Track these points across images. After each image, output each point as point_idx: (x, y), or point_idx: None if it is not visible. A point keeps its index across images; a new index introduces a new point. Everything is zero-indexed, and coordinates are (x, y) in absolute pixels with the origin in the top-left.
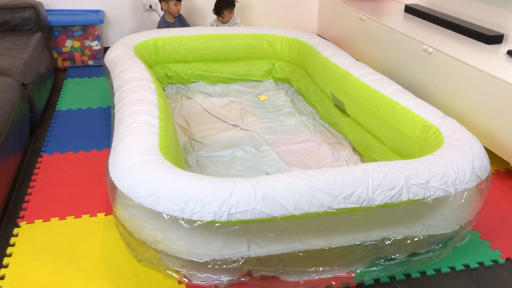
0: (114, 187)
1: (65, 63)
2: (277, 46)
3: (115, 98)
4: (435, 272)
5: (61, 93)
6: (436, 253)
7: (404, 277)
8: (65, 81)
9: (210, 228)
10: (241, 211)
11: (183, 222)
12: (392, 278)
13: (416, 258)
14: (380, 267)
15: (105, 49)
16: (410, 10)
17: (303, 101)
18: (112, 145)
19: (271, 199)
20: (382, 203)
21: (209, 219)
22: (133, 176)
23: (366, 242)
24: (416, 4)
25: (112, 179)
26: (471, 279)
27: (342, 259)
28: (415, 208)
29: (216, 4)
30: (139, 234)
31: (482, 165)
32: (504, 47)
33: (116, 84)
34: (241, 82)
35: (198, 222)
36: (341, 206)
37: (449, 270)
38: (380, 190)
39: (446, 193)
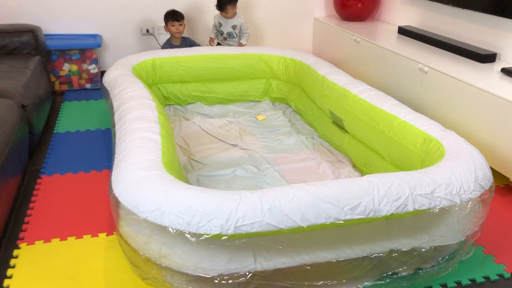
0: (118, 203)
1: (63, 87)
2: (274, 65)
3: (115, 117)
4: (441, 287)
5: (59, 115)
6: (441, 266)
7: None
8: (62, 104)
9: (216, 242)
10: (248, 223)
11: (189, 236)
12: None
13: (422, 272)
14: (387, 280)
15: (102, 72)
16: (403, 31)
17: (301, 121)
18: (114, 162)
19: (277, 211)
20: (388, 214)
21: (216, 233)
22: (138, 191)
23: (373, 254)
24: (409, 26)
25: (116, 195)
26: None
27: (349, 273)
28: (421, 219)
29: (218, 3)
30: (143, 251)
31: (485, 176)
32: (497, 66)
33: (116, 103)
34: (238, 103)
35: (205, 236)
36: (348, 217)
37: (456, 285)
38: (386, 200)
39: (451, 203)
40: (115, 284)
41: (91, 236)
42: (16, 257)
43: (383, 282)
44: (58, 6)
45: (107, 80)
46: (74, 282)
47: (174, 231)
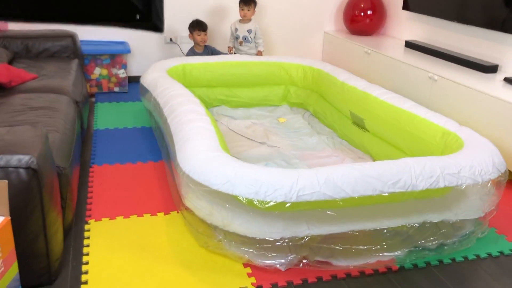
0: (189, 179)
1: (93, 89)
2: (292, 73)
3: (164, 111)
4: (463, 259)
5: (94, 115)
6: (462, 242)
7: (438, 262)
8: (95, 105)
9: (275, 212)
10: (308, 193)
11: (257, 203)
12: (427, 263)
13: (446, 247)
14: (418, 251)
15: (129, 78)
16: (410, 45)
17: (319, 123)
18: (176, 148)
19: (332, 184)
20: (424, 189)
21: (280, 200)
22: (208, 168)
23: (410, 224)
24: (415, 40)
25: (186, 172)
26: (495, 263)
27: (390, 239)
28: (449, 196)
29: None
30: (211, 220)
31: (500, 161)
32: (499, 76)
33: (161, 100)
34: (259, 107)
35: (272, 203)
36: (390, 190)
37: (475, 257)
38: (421, 178)
39: (474, 182)
40: (180, 252)
41: (151, 215)
42: (88, 230)
43: (414, 253)
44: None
45: (146, 81)
46: (145, 251)
47: (244, 199)
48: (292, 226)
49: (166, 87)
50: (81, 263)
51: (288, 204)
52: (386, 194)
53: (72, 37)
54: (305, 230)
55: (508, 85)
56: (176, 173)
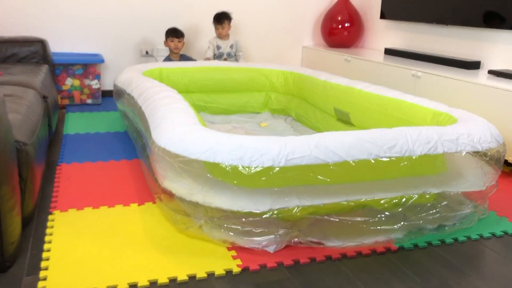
0: (165, 152)
1: (64, 101)
2: (273, 78)
3: (139, 101)
4: (466, 239)
5: (65, 122)
6: (463, 222)
7: (439, 242)
8: (66, 114)
9: (263, 180)
10: (298, 157)
11: (242, 169)
12: (429, 243)
13: (446, 228)
14: (416, 234)
15: (103, 92)
16: (389, 51)
17: (303, 126)
18: (152, 127)
19: (323, 148)
20: (422, 154)
21: (268, 165)
22: (186, 138)
23: (409, 193)
24: (395, 48)
25: (162, 145)
26: (500, 242)
27: (388, 210)
28: (449, 163)
29: (217, 15)
30: (191, 198)
31: (497, 133)
32: (482, 71)
33: (136, 93)
34: (240, 114)
35: (258, 168)
36: (387, 155)
37: (478, 237)
38: (418, 143)
39: (474, 149)
40: (156, 238)
41: (123, 206)
42: (52, 220)
43: (413, 234)
44: (62, 25)
45: (120, 81)
46: (116, 238)
47: (228, 166)
48: (280, 199)
49: (141, 82)
50: (41, 251)
51: (277, 169)
52: (383, 158)
53: (42, 42)
54: (295, 201)
55: (493, 77)
56: (152, 154)
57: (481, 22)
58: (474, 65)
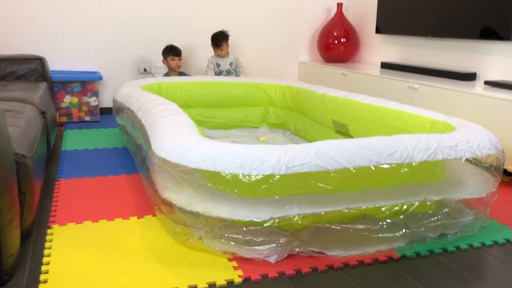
0: (165, 162)
1: (62, 119)
2: (271, 93)
3: (139, 114)
4: (468, 247)
5: (63, 139)
6: (464, 230)
7: (442, 250)
8: (64, 131)
9: (264, 188)
10: (298, 164)
11: (242, 177)
12: (431, 252)
13: (448, 236)
14: (418, 242)
15: (101, 109)
16: (386, 65)
17: (301, 140)
18: (152, 139)
19: (324, 155)
20: (422, 160)
21: (268, 173)
22: (186, 148)
23: (409, 200)
24: (391, 62)
25: (162, 156)
26: (502, 250)
27: (389, 217)
28: (450, 170)
29: (215, 38)
30: (191, 208)
31: (495, 140)
32: (478, 82)
33: (135, 107)
34: (238, 129)
35: (259, 176)
36: (387, 161)
37: (480, 245)
38: (418, 150)
39: (473, 155)
40: (156, 250)
41: (122, 219)
42: (51, 234)
43: (415, 242)
44: (60, 44)
45: (119, 95)
46: (115, 251)
47: (228, 175)
48: (281, 208)
49: (140, 96)
50: (40, 264)
51: (277, 177)
52: (383, 165)
53: (40, 60)
54: (296, 210)
55: (489, 87)
56: (152, 165)
57: (476, 34)
58: (470, 77)
